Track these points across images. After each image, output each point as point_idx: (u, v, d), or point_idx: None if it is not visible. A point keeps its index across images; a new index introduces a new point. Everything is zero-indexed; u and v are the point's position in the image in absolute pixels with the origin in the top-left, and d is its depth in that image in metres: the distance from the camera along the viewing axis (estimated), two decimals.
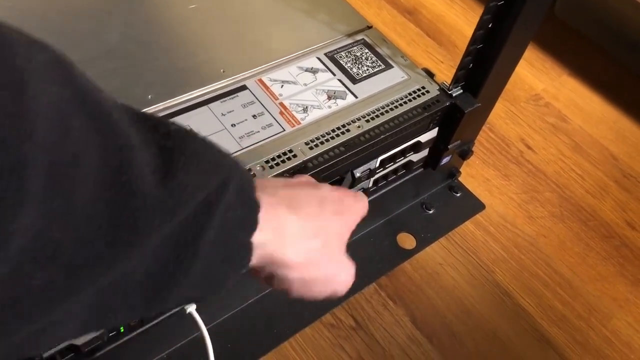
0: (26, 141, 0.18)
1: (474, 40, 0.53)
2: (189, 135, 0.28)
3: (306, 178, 0.42)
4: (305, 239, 0.34)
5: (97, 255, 0.22)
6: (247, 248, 0.30)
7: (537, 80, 0.92)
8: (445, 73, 0.89)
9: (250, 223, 0.30)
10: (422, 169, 0.65)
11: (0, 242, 0.18)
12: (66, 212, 0.20)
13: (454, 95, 0.57)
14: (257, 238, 0.30)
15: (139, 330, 0.51)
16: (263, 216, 0.30)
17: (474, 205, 0.72)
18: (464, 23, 0.98)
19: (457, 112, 0.57)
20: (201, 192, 0.27)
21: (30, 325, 0.21)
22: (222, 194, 0.27)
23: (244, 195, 0.30)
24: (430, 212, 0.69)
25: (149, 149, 0.25)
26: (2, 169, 0.17)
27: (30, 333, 0.21)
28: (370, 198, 0.56)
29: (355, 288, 0.62)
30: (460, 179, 0.75)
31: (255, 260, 0.31)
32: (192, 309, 0.44)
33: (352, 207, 0.40)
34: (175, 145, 0.26)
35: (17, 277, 0.19)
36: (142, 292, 0.25)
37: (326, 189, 0.39)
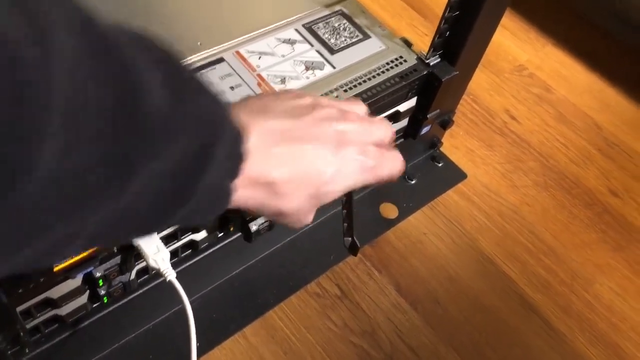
0: (47, 82, 0.19)
1: (449, 7, 0.53)
2: (193, 75, 0.30)
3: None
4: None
5: (110, 177, 0.24)
6: (229, 194, 0.32)
7: (521, 50, 0.92)
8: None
9: (235, 172, 0.31)
10: (402, 139, 0.66)
11: (30, 166, 0.20)
12: (81, 141, 0.22)
13: (431, 64, 0.57)
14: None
15: (123, 302, 0.52)
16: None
17: (455, 175, 0.73)
18: None
19: (434, 81, 0.57)
20: (201, 133, 0.28)
21: (50, 234, 0.23)
22: (218, 144, 0.29)
23: (235, 148, 0.31)
24: (412, 182, 0.70)
25: (158, 78, 0.26)
26: (25, 110, 0.19)
27: (49, 243, 0.23)
28: None
29: (339, 257, 0.63)
30: (444, 150, 0.75)
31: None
32: (172, 277, 0.45)
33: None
34: (183, 81, 0.28)
35: (47, 190, 0.21)
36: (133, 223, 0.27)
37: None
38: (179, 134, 0.26)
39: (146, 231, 0.31)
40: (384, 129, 0.40)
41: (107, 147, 0.23)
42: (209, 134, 0.28)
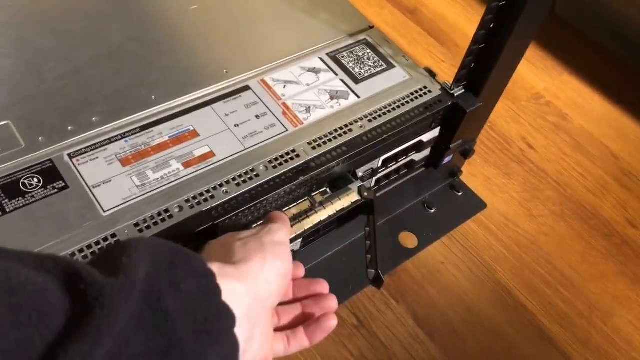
0: None
1: (475, 40, 0.53)
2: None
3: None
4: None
5: None
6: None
7: (538, 79, 0.92)
8: (447, 72, 0.89)
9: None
10: (423, 168, 0.66)
11: None
12: None
13: (455, 95, 0.57)
14: None
15: None
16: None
17: (475, 204, 0.72)
18: (464, 21, 0.98)
19: (459, 112, 0.57)
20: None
21: None
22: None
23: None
24: (432, 211, 0.70)
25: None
26: None
27: None
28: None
29: (357, 288, 0.63)
30: (461, 177, 0.75)
31: None
32: None
33: None
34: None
35: None
36: None
37: None
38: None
39: None
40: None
41: None
42: None
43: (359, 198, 0.52)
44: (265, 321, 0.37)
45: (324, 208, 0.50)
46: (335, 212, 0.51)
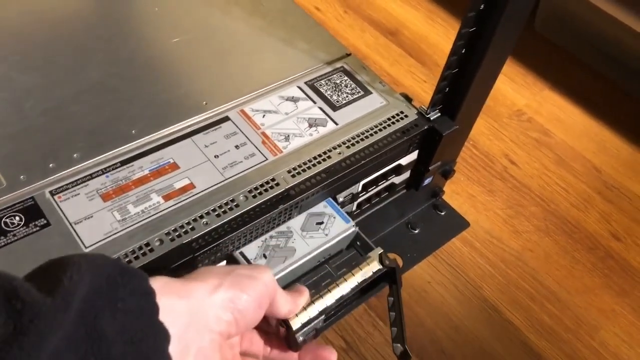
0: None
1: (448, 65, 0.54)
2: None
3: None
4: None
5: None
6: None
7: (519, 95, 0.94)
8: (428, 92, 0.90)
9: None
10: (405, 190, 0.67)
11: None
12: None
13: (431, 118, 0.58)
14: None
15: None
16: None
17: (458, 223, 0.73)
18: (445, 42, 1.00)
19: (435, 135, 0.58)
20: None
21: None
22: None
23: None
24: (416, 231, 0.70)
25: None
26: None
27: None
28: (356, 221, 0.56)
29: (345, 309, 0.63)
30: (445, 196, 0.76)
31: None
32: None
33: None
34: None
35: None
36: None
37: None
38: None
39: None
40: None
41: None
42: None
43: (381, 267, 0.48)
44: (205, 346, 0.35)
45: (345, 280, 0.46)
46: (357, 283, 0.47)
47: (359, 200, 0.61)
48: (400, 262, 0.68)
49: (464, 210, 0.76)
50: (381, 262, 0.49)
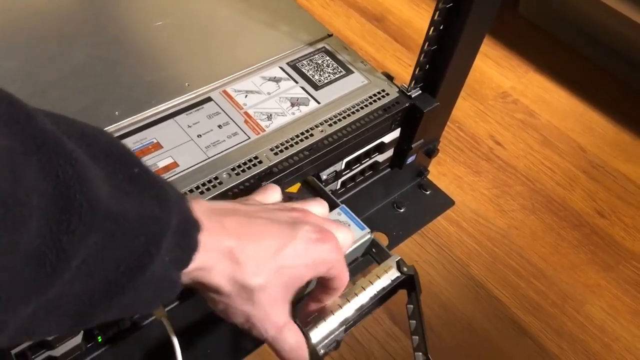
0: None
1: (427, 41, 0.55)
2: (140, 169, 0.30)
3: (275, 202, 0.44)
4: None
5: (38, 279, 0.24)
6: (177, 284, 0.32)
7: (504, 78, 0.95)
8: None
9: (184, 263, 0.32)
10: (389, 169, 0.67)
11: None
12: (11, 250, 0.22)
13: (412, 96, 0.59)
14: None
15: (118, 341, 0.52)
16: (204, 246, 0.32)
17: (443, 202, 0.74)
18: None
19: (416, 112, 0.59)
20: (144, 229, 0.28)
21: None
22: (163, 239, 0.29)
23: (184, 238, 0.31)
24: (401, 210, 0.71)
25: (98, 173, 0.26)
26: None
27: None
28: (341, 199, 0.57)
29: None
30: (432, 178, 0.76)
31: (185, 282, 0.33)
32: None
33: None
34: (128, 176, 0.29)
35: None
36: (70, 310, 0.27)
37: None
38: (117, 232, 0.27)
39: (84, 321, 0.29)
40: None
41: (42, 239, 0.23)
42: (152, 231, 0.28)
43: (399, 274, 0.47)
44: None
45: (364, 289, 0.45)
46: (376, 292, 0.46)
47: (343, 178, 0.61)
48: (385, 240, 0.68)
49: (450, 191, 0.77)
50: (399, 269, 0.48)
